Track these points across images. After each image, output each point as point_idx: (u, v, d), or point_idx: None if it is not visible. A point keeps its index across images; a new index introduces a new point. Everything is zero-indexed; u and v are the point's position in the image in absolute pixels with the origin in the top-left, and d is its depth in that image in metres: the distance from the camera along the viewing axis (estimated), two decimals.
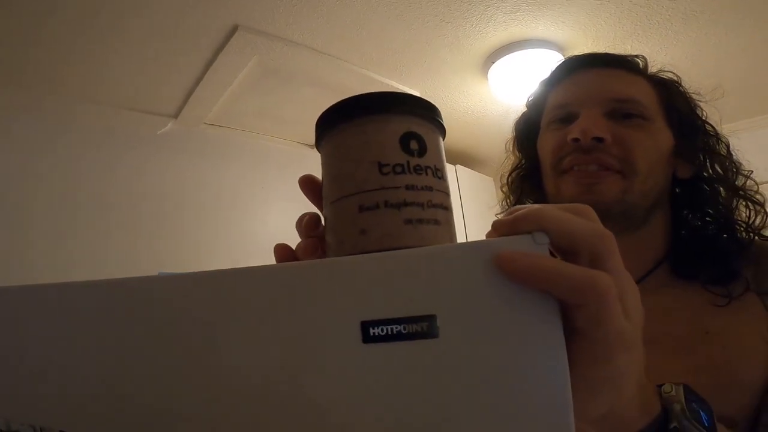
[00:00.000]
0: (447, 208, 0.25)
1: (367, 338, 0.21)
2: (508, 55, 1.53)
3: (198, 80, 1.53)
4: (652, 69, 0.54)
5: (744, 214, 0.50)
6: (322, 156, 0.28)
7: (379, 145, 0.24)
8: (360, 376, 0.21)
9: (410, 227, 0.23)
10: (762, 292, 0.43)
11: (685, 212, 0.51)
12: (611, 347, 0.20)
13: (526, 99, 0.61)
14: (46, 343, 0.26)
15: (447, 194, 0.25)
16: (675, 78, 0.53)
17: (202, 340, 0.22)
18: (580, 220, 0.20)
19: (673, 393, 0.28)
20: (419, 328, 0.21)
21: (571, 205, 0.21)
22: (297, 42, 1.42)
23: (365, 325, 0.21)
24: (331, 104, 0.26)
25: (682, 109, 0.51)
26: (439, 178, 0.25)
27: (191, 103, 1.64)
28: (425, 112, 0.26)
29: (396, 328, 0.21)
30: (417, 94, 1.79)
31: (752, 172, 0.52)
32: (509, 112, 2.04)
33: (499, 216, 0.33)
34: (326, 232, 0.26)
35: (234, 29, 1.31)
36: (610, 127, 0.46)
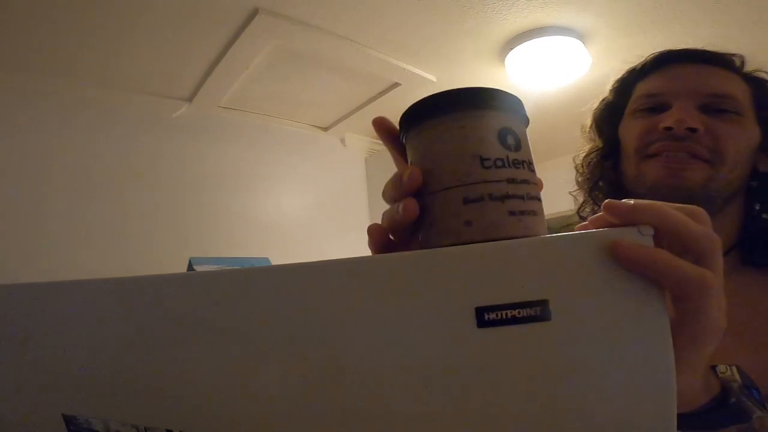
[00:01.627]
0: (540, 200, 0.26)
1: (482, 323, 0.22)
2: (526, 42, 1.52)
3: (214, 64, 1.52)
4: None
5: None
6: (413, 146, 0.28)
7: (479, 139, 0.25)
8: (476, 359, 0.22)
9: (514, 219, 0.25)
10: None
11: (757, 205, 0.52)
12: (704, 338, 0.23)
13: (611, 85, 0.61)
14: (127, 340, 0.27)
15: (539, 186, 0.27)
16: (767, 76, 0.54)
17: (320, 331, 0.23)
18: (694, 222, 0.22)
19: (729, 373, 0.31)
20: (533, 312, 0.22)
21: (686, 207, 0.23)
22: (317, 26, 1.41)
23: (479, 311, 0.22)
24: (421, 98, 0.27)
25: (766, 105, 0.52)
26: (532, 171, 0.27)
27: (207, 86, 1.64)
28: (515, 107, 0.27)
29: (510, 312, 0.22)
30: (433, 78, 1.79)
31: None
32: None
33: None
34: (424, 221, 0.27)
35: (254, 12, 1.30)
36: (703, 119, 0.47)
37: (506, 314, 0.22)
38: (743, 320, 0.43)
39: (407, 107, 0.28)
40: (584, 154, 0.61)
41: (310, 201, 2.20)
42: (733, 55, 0.53)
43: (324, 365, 0.23)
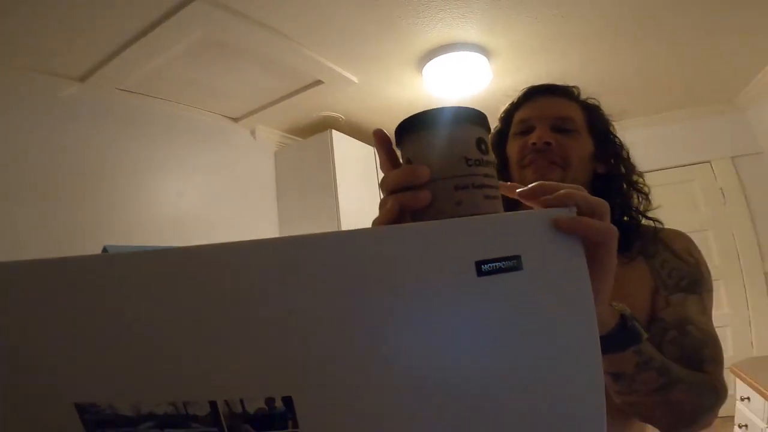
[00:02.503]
0: (498, 188, 0.37)
1: (480, 273, 0.32)
2: (442, 55, 1.69)
3: (126, 44, 1.40)
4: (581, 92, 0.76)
5: (635, 201, 0.72)
6: (411, 149, 0.37)
7: (466, 144, 0.35)
8: (478, 300, 0.31)
9: (488, 201, 0.35)
10: (646, 255, 0.65)
11: (608, 194, 0.70)
12: (611, 269, 0.36)
13: (500, 115, 0.79)
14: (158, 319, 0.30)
15: (497, 179, 0.38)
16: (597, 103, 0.75)
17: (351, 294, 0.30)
18: (593, 197, 0.35)
19: (621, 306, 0.45)
20: (512, 264, 0.32)
21: (579, 186, 0.37)
22: (252, 17, 1.39)
23: (479, 264, 0.32)
24: (417, 113, 0.36)
25: (600, 126, 0.72)
26: (496, 168, 0.38)
27: (110, 67, 1.50)
28: (485, 123, 0.38)
29: (498, 264, 0.32)
30: (355, 79, 1.88)
31: (642, 173, 0.74)
32: (433, 106, 2.27)
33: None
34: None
35: None
36: (554, 136, 0.66)
37: (495, 266, 0.32)
38: None
39: (404, 119, 0.36)
40: None
41: (217, 191, 2.13)
42: (573, 87, 0.74)
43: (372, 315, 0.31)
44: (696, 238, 2.52)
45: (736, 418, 1.85)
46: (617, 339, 0.44)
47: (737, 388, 1.79)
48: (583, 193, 0.35)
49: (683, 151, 2.90)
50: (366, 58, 1.73)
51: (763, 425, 1.59)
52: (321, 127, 2.41)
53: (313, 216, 2.30)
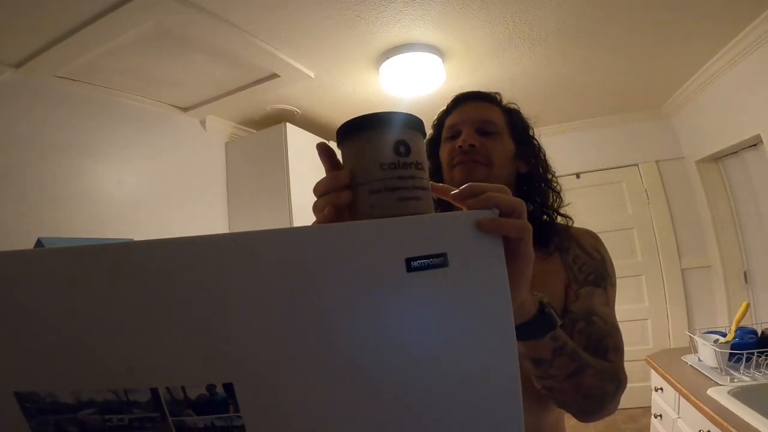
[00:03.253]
0: (425, 188, 0.40)
1: (410, 269, 0.35)
2: (399, 55, 1.72)
3: (71, 32, 1.31)
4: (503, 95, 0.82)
5: (551, 200, 0.78)
6: (343, 156, 0.41)
7: (380, 150, 0.39)
8: (407, 293, 0.35)
9: (402, 203, 0.38)
10: (561, 251, 0.71)
11: (528, 192, 0.78)
12: (530, 259, 0.41)
13: (433, 123, 0.83)
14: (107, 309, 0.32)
15: (425, 178, 0.40)
16: (517, 107, 0.81)
17: (298, 285, 0.33)
18: (510, 198, 0.40)
19: (540, 294, 0.51)
20: (439, 261, 0.36)
21: (501, 186, 0.41)
22: (207, 9, 1.34)
23: (408, 260, 0.35)
24: (351, 118, 0.40)
25: (520, 128, 0.78)
26: (420, 168, 0.40)
27: (50, 53, 1.40)
28: (411, 124, 0.41)
29: (426, 261, 0.36)
30: (311, 74, 1.86)
31: (555, 173, 0.81)
32: (388, 103, 2.27)
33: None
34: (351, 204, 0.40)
35: None
36: (478, 138, 0.72)
37: (423, 263, 0.36)
38: None
39: (339, 126, 0.40)
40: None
41: (162, 180, 2.06)
42: (496, 93, 0.81)
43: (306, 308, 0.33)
44: (622, 236, 2.77)
45: (652, 408, 1.90)
46: (536, 325, 0.49)
47: (652, 379, 1.85)
48: (504, 196, 0.40)
49: (614, 154, 3.12)
50: (323, 54, 1.73)
51: (674, 415, 1.63)
52: (275, 119, 2.37)
53: (264, 208, 2.26)
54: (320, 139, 2.46)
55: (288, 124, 2.27)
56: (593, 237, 0.75)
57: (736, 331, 1.48)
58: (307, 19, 1.48)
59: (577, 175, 3.16)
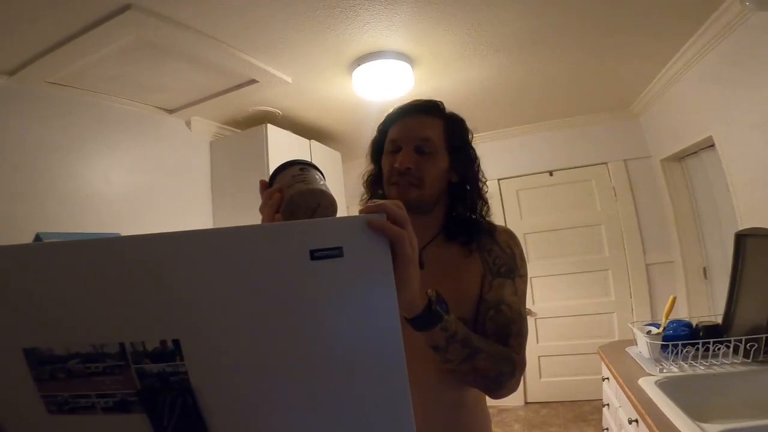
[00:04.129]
0: (317, 182, 0.61)
1: (313, 257, 0.47)
2: (370, 62, 1.84)
3: (60, 43, 1.41)
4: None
5: (478, 207, 0.85)
6: (277, 180, 0.63)
7: (290, 172, 0.60)
8: (310, 276, 0.47)
9: (308, 191, 0.59)
10: (482, 250, 0.80)
11: (458, 204, 0.87)
12: (409, 261, 0.50)
13: (377, 127, 0.91)
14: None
15: (317, 179, 0.61)
16: (460, 118, 0.87)
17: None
18: (399, 210, 0.50)
19: (431, 292, 0.61)
20: (336, 252, 0.47)
21: (397, 202, 0.52)
22: (185, 23, 1.43)
23: (312, 251, 0.47)
24: (282, 162, 0.62)
25: (459, 140, 0.84)
26: (310, 177, 0.61)
27: (40, 63, 1.50)
28: (310, 166, 0.62)
29: (325, 252, 0.47)
30: (289, 79, 1.97)
31: (486, 182, 0.89)
32: (361, 106, 2.38)
33: (365, 204, 0.66)
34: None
35: (126, 7, 1.28)
36: (414, 158, 0.79)
37: (324, 253, 0.47)
38: (443, 268, 0.78)
39: (279, 164, 0.63)
40: (366, 175, 0.94)
41: (148, 178, 2.16)
42: (439, 102, 0.86)
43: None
44: (591, 231, 2.94)
45: (603, 397, 1.94)
46: (425, 318, 0.59)
47: (602, 369, 1.88)
48: (393, 206, 0.50)
49: (585, 153, 3.24)
50: (299, 61, 1.83)
51: (617, 404, 1.66)
52: (259, 120, 2.47)
53: (247, 205, 2.36)
54: (300, 139, 2.60)
55: (269, 125, 2.38)
56: (509, 234, 0.85)
57: (671, 324, 1.57)
58: (281, 30, 1.58)
59: (551, 173, 3.29)
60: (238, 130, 2.62)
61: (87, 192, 1.88)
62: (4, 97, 1.63)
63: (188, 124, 2.39)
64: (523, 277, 0.81)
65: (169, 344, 0.46)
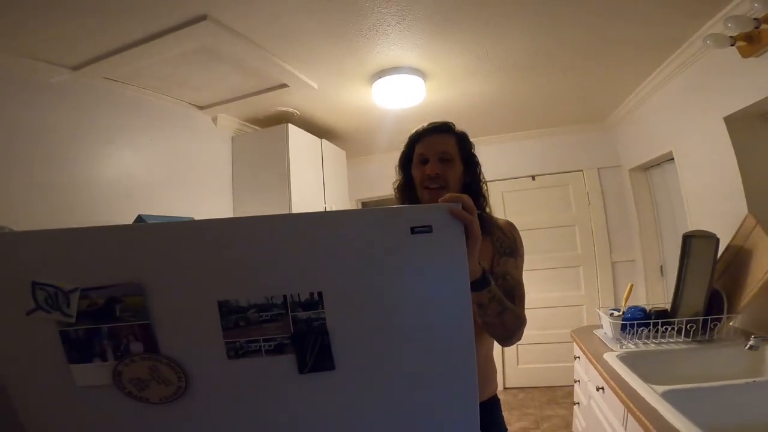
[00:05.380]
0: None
1: (412, 232, 0.68)
2: (389, 76, 2.09)
3: (124, 47, 1.56)
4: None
5: (481, 202, 1.07)
6: None
7: None
8: (411, 245, 0.69)
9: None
10: (491, 234, 1.02)
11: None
12: (477, 238, 0.72)
13: (407, 141, 1.13)
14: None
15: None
16: (466, 133, 1.11)
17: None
18: (470, 202, 0.72)
19: (484, 264, 0.87)
20: (427, 229, 0.69)
21: (467, 196, 0.74)
22: (242, 33, 1.60)
23: (412, 228, 0.68)
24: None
25: (467, 150, 1.08)
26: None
27: (109, 62, 1.65)
28: None
29: (421, 228, 0.69)
30: (315, 85, 2.18)
31: (487, 182, 1.11)
32: (377, 113, 2.63)
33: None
34: None
35: (202, 17, 1.42)
36: (439, 166, 1.03)
37: (422, 228, 0.69)
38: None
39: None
40: (397, 183, 1.18)
41: (174, 168, 2.30)
42: (451, 123, 1.10)
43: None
44: (566, 231, 3.37)
45: (574, 374, 2.20)
46: (480, 282, 0.82)
47: (574, 349, 2.12)
48: (467, 199, 0.72)
49: (565, 160, 3.56)
50: (327, 70, 2.04)
51: (586, 378, 1.90)
52: (277, 119, 2.67)
53: (265, 199, 2.55)
54: (315, 139, 2.82)
55: (290, 125, 2.57)
56: (511, 225, 1.10)
57: (629, 309, 1.86)
58: (315, 41, 1.77)
59: (533, 177, 3.61)
60: (257, 128, 2.81)
61: (122, 177, 2.04)
62: (63, 89, 1.78)
63: (214, 120, 2.56)
64: (522, 256, 1.07)
65: (315, 296, 0.64)
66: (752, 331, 1.59)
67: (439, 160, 1.04)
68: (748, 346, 1.34)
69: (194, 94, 2.23)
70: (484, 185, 1.11)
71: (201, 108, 2.42)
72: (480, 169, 1.11)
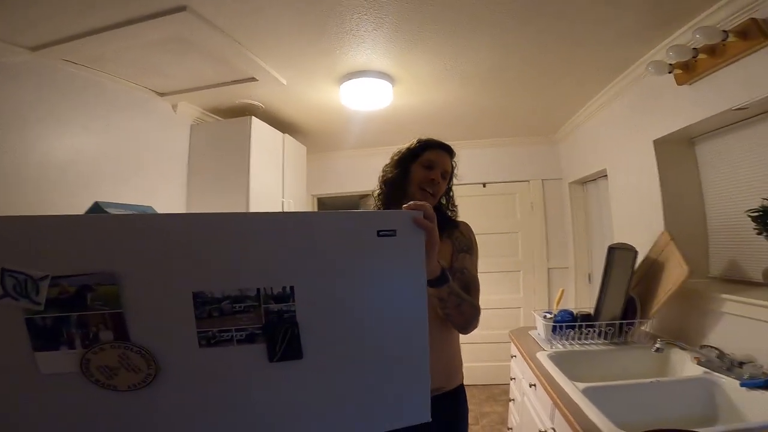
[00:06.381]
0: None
1: (378, 235, 0.77)
2: (357, 78, 2.14)
3: (96, 30, 1.49)
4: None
5: (450, 208, 1.26)
6: None
7: None
8: (377, 247, 0.77)
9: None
10: (452, 236, 1.16)
11: (438, 209, 1.24)
12: (435, 243, 0.82)
13: (415, 143, 1.25)
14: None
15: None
16: (456, 161, 1.26)
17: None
18: (431, 211, 0.81)
19: (443, 263, 0.98)
20: (392, 233, 0.78)
21: (428, 205, 0.84)
22: (218, 26, 1.58)
23: (378, 231, 0.77)
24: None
25: (451, 173, 1.25)
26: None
27: (77, 44, 1.58)
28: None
29: (386, 231, 0.78)
30: (284, 81, 2.19)
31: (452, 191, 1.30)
32: (343, 113, 2.68)
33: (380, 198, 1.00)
34: None
35: (182, 8, 1.40)
36: (439, 179, 1.18)
37: (386, 232, 0.78)
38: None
39: None
40: (389, 176, 1.26)
41: (125, 154, 2.23)
42: (447, 144, 1.25)
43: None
44: (510, 238, 3.64)
45: (510, 372, 2.33)
46: (440, 279, 0.93)
47: (511, 348, 2.26)
48: (428, 207, 0.80)
49: (513, 170, 3.79)
50: (298, 67, 2.05)
51: (521, 376, 2.03)
52: (240, 110, 2.63)
53: (222, 190, 2.52)
54: (276, 131, 2.81)
55: (254, 118, 2.54)
56: (468, 227, 1.25)
57: (560, 312, 2.04)
58: (289, 39, 1.78)
59: (484, 185, 3.82)
60: (219, 118, 2.74)
61: (65, 161, 1.94)
62: (18, 70, 1.69)
63: (174, 107, 2.49)
64: (476, 253, 1.22)
65: (287, 290, 0.68)
66: (660, 336, 1.80)
67: (440, 174, 1.20)
68: (654, 348, 1.49)
69: (157, 81, 2.17)
70: (452, 196, 1.31)
71: (161, 94, 2.35)
72: (453, 194, 1.31)
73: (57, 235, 0.64)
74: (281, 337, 0.69)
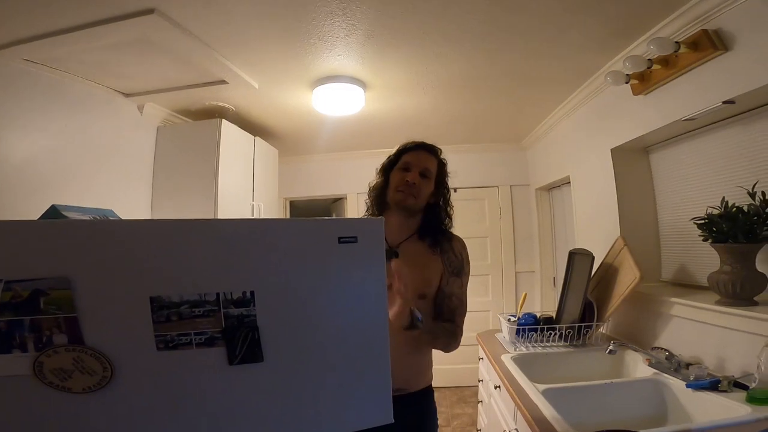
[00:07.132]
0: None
1: (340, 241, 0.78)
2: (330, 83, 2.15)
3: (64, 30, 1.45)
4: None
5: (444, 221, 1.22)
6: None
7: None
8: (338, 254, 0.79)
9: None
10: (442, 251, 1.15)
11: (430, 215, 1.23)
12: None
13: (396, 150, 1.25)
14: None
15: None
16: (445, 162, 1.26)
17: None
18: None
19: (415, 311, 0.95)
20: (353, 239, 0.79)
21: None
22: (187, 28, 1.55)
23: (339, 238, 0.79)
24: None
25: (442, 177, 1.23)
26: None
27: (38, 45, 1.52)
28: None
29: (347, 238, 0.78)
30: (256, 85, 2.18)
31: (450, 197, 1.27)
32: (315, 117, 2.69)
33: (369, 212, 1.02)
34: None
35: (149, 11, 1.37)
36: (418, 179, 1.15)
37: (348, 239, 0.81)
38: (413, 258, 1.14)
39: None
40: (374, 184, 1.28)
41: (88, 156, 2.17)
42: (439, 148, 1.24)
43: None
44: (479, 242, 3.75)
45: (479, 374, 2.36)
46: (411, 326, 0.93)
47: (479, 351, 2.25)
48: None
49: (483, 176, 3.88)
50: (270, 71, 2.04)
51: (488, 378, 2.05)
52: (210, 112, 2.59)
53: (190, 193, 2.47)
54: (247, 134, 2.80)
55: (224, 120, 2.51)
56: (461, 243, 1.23)
57: (524, 315, 2.07)
58: (260, 42, 1.77)
59: (455, 189, 3.86)
60: (187, 119, 2.69)
61: (22, 163, 1.86)
62: None
63: (140, 108, 2.42)
64: (467, 274, 1.22)
65: (247, 294, 0.68)
66: (616, 338, 1.88)
67: (420, 173, 1.17)
68: (608, 350, 1.53)
69: (122, 82, 2.11)
70: (450, 209, 1.27)
71: (127, 95, 2.29)
72: (449, 195, 1.27)
73: (10, 239, 0.64)
74: (241, 340, 0.69)
